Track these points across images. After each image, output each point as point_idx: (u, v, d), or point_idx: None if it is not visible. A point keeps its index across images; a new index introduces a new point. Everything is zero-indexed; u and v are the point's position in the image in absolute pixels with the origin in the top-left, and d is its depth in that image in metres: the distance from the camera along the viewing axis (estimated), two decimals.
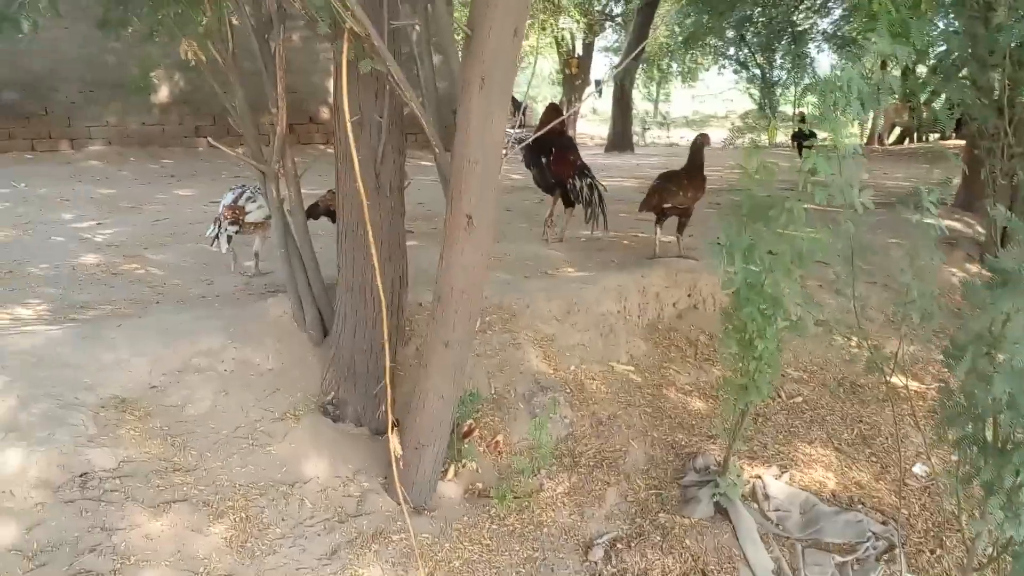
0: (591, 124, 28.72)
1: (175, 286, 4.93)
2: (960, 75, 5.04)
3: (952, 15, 5.42)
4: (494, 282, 4.90)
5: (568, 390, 4.22)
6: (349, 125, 3.09)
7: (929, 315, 3.29)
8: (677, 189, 5.28)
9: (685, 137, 25.95)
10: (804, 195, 2.86)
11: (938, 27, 5.14)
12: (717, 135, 25.77)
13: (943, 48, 4.44)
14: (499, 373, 4.15)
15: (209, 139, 3.94)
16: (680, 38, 17.21)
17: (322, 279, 4.04)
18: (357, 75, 3.01)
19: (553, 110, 6.31)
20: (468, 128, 2.65)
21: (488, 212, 2.81)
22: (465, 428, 3.70)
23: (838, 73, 2.60)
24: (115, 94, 10.38)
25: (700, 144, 5.36)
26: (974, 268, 6.66)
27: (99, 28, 4.21)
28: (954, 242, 6.84)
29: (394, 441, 3.13)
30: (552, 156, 5.84)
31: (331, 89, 11.85)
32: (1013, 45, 4.67)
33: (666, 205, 5.38)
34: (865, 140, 20.83)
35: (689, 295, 5.09)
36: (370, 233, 3.13)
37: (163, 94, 10.80)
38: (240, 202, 4.81)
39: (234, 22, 3.98)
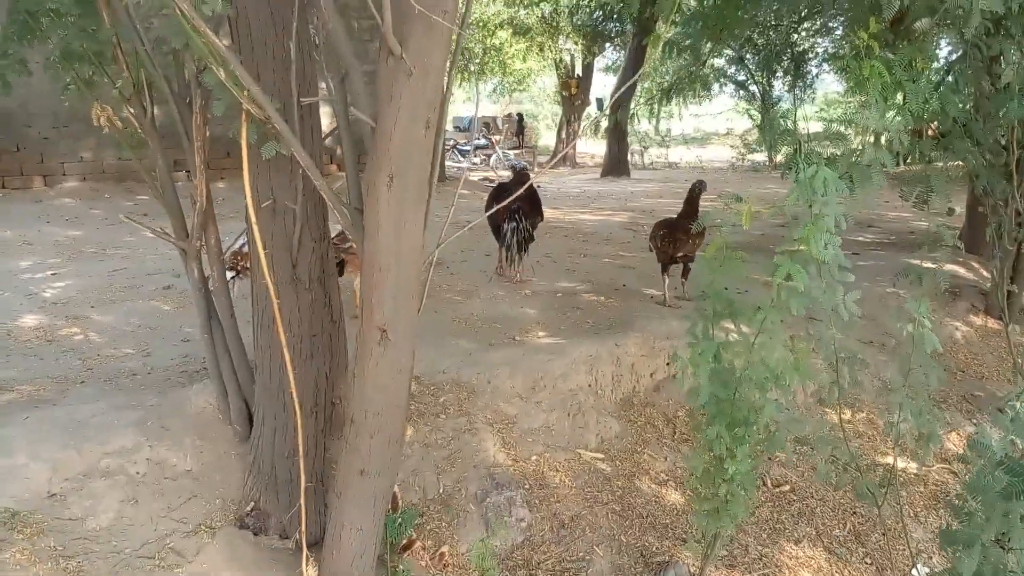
0: (593, 143, 28.35)
1: (109, 358, 4.54)
2: (966, 133, 4.62)
3: (954, 72, 5.02)
4: (454, 353, 4.50)
5: (527, 486, 3.79)
6: (253, 213, 2.71)
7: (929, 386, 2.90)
8: (686, 238, 5.20)
9: (684, 158, 25.54)
10: (779, 304, 2.44)
11: (936, 84, 4.72)
12: (719, 153, 25.41)
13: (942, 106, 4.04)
14: (450, 468, 3.73)
15: (123, 216, 3.55)
16: (667, 82, 16.83)
17: (250, 366, 3.63)
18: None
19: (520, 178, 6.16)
20: (377, 232, 2.25)
21: (406, 324, 2.41)
22: (404, 541, 3.28)
23: (812, 175, 2.18)
24: (90, 129, 9.98)
25: (698, 192, 5.33)
26: (978, 320, 6.22)
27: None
28: (957, 291, 6.40)
29: (309, 574, 2.72)
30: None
31: None
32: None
33: (678, 255, 5.36)
34: None
35: (668, 364, 4.67)
36: (281, 333, 2.75)
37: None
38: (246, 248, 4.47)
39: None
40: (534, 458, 3.95)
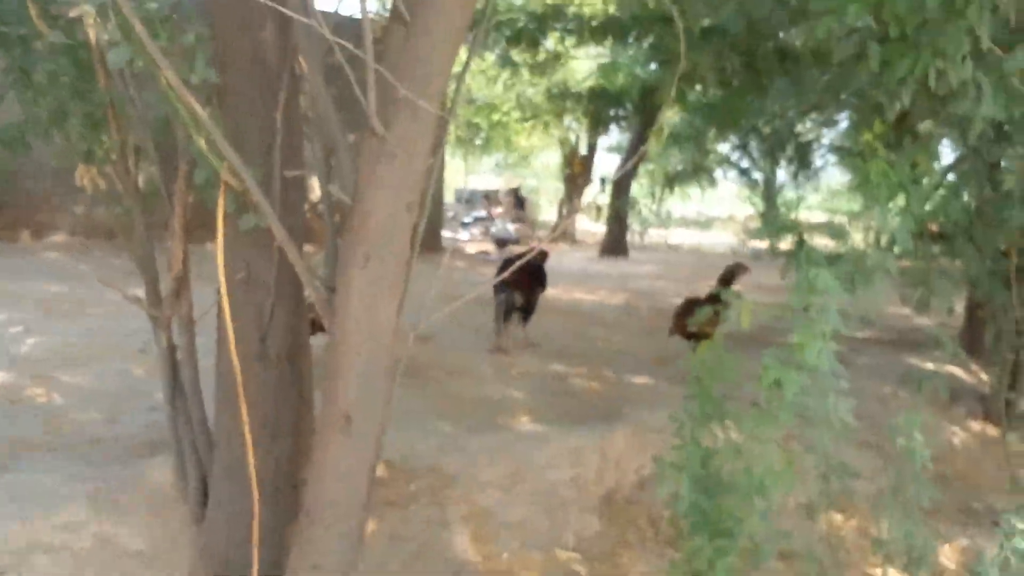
0: (595, 222, 28.53)
1: (72, 423, 4.35)
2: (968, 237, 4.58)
3: (956, 174, 5.01)
4: (434, 435, 4.32)
5: None
6: (224, 284, 2.59)
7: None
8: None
9: (685, 241, 25.62)
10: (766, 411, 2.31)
11: (936, 185, 4.71)
12: (720, 238, 25.46)
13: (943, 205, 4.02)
14: (415, 563, 3.51)
15: (98, 278, 3.43)
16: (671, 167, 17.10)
17: (209, 437, 3.45)
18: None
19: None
20: (347, 312, 2.13)
21: (373, 410, 2.26)
22: None
23: (812, 276, 2.08)
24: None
25: (735, 274, 5.44)
26: (976, 426, 6.06)
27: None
28: (956, 395, 6.26)
29: None
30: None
31: None
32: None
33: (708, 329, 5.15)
34: None
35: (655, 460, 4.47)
36: (244, 411, 2.60)
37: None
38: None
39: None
40: (505, 555, 3.73)
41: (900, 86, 3.13)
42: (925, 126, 4.02)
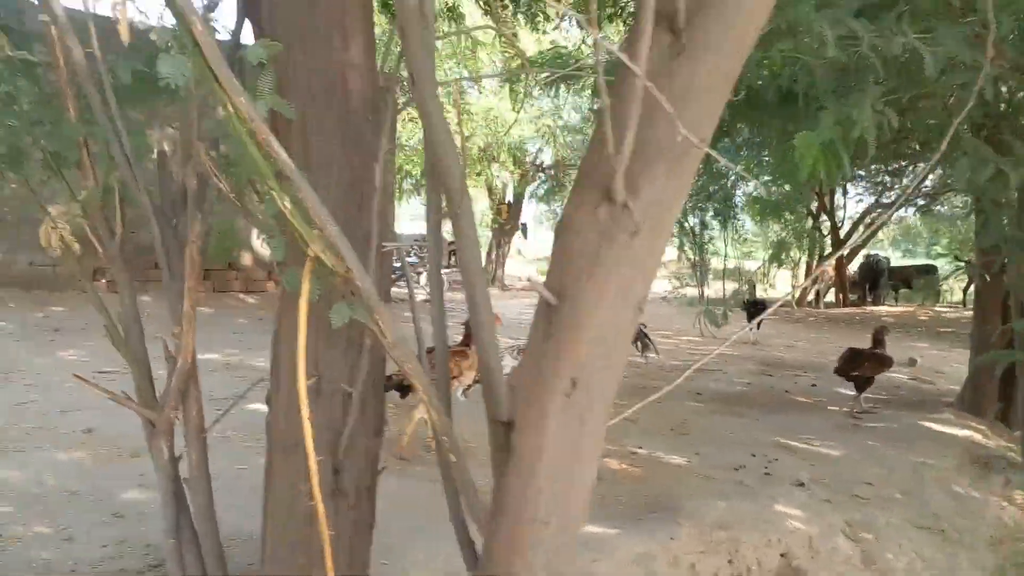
0: (518, 264, 28.17)
1: (12, 540, 3.41)
2: None
3: None
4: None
5: None
6: (304, 395, 1.82)
7: None
8: (865, 363, 6.87)
9: None
10: None
11: None
12: (655, 286, 25.34)
13: None
14: None
15: (76, 374, 2.59)
16: None
17: None
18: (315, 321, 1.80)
19: None
20: (538, 462, 1.45)
21: None
22: None
23: None
24: (0, 228, 8.87)
25: (882, 332, 7.01)
26: (1019, 497, 5.68)
27: None
28: (988, 462, 5.89)
29: None
30: None
31: (254, 236, 10.43)
32: None
33: (854, 373, 6.88)
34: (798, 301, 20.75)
35: (730, 561, 3.85)
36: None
37: (60, 231, 9.30)
38: None
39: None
40: None
41: None
42: None
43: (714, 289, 23.70)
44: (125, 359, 2.65)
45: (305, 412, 1.75)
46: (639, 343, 8.29)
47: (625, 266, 1.33)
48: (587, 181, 1.31)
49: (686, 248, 23.27)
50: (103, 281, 9.27)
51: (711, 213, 21.44)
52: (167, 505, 2.55)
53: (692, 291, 22.46)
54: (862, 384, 6.91)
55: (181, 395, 2.53)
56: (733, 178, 19.07)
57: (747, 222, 22.78)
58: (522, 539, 1.45)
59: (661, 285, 25.02)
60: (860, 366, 6.85)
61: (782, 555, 3.85)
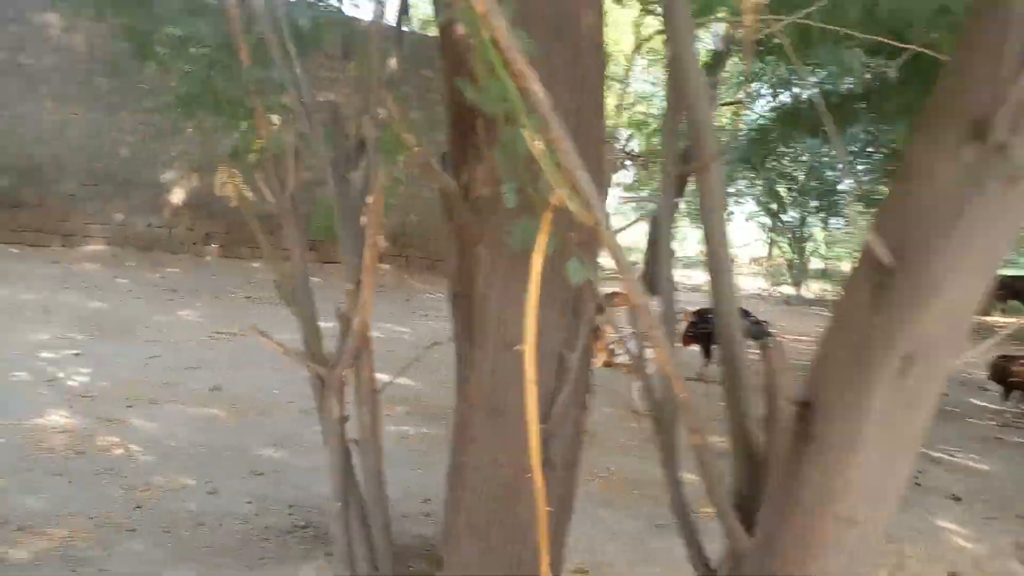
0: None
1: (160, 489, 3.44)
2: None
3: None
4: (621, 535, 3.44)
5: None
6: (530, 356, 1.69)
7: None
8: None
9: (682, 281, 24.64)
10: None
11: None
12: (743, 282, 24.52)
13: None
14: None
15: (258, 329, 2.51)
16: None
17: (392, 548, 2.55)
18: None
19: None
20: (858, 453, 1.26)
21: None
22: None
23: None
24: (121, 190, 9.16)
25: None
26: None
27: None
28: None
29: None
30: None
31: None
32: None
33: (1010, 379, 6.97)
34: None
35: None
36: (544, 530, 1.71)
37: (176, 195, 9.55)
38: None
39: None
40: None
41: None
42: None
43: (812, 290, 22.95)
44: (294, 315, 2.58)
45: (531, 373, 1.62)
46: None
47: (995, 221, 1.12)
48: (945, 114, 1.11)
49: (783, 246, 22.62)
50: (216, 247, 9.49)
51: (812, 208, 20.82)
52: (334, 469, 2.47)
53: (788, 290, 21.82)
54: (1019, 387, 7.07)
55: (354, 354, 2.45)
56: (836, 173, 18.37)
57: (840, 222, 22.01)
58: (820, 539, 1.27)
59: (750, 282, 24.34)
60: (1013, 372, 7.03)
61: (950, 574, 3.56)
